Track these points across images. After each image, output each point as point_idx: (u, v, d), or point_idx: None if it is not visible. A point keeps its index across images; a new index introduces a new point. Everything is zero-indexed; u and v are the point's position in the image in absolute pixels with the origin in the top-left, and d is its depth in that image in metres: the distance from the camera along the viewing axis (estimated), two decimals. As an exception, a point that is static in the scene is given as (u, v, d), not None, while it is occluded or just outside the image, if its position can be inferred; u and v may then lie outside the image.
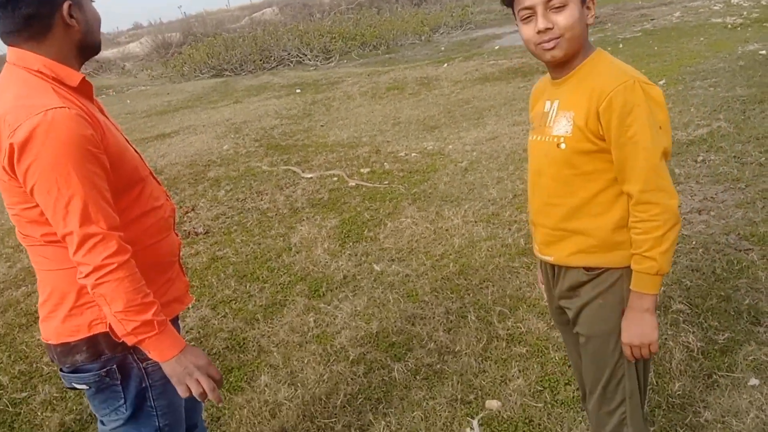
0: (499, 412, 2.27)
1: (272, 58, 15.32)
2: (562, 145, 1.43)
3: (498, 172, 4.82)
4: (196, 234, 4.39)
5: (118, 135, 1.47)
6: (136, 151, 1.54)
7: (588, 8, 1.40)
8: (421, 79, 9.46)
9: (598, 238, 1.46)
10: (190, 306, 3.28)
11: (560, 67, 1.46)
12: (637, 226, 1.39)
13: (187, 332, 3.10)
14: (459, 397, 2.37)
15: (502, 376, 2.47)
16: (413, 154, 5.64)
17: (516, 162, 4.96)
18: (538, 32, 1.37)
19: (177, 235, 1.65)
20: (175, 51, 20.42)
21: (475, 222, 3.99)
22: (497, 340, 2.70)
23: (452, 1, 20.48)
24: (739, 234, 3.35)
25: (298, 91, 10.50)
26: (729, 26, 9.44)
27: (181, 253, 1.67)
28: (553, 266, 1.62)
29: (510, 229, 3.80)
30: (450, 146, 5.73)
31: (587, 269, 1.51)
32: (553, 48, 1.38)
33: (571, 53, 1.40)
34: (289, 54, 15.39)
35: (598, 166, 1.42)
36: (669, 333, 2.57)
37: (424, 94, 8.42)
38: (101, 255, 1.28)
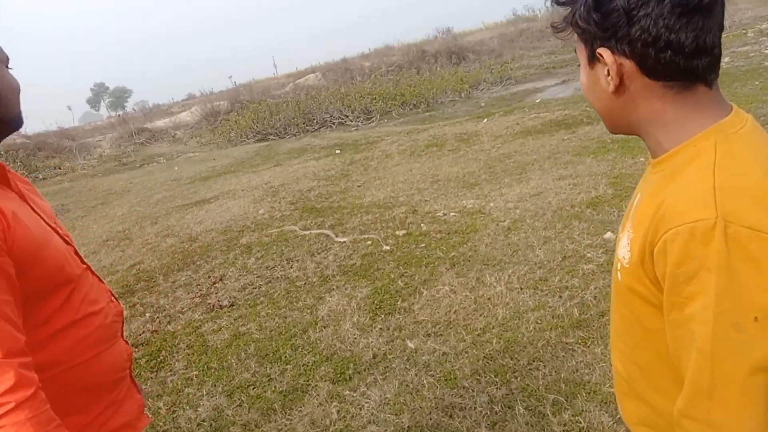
0: None
1: (315, 121, 15.51)
2: (619, 275, 0.96)
3: (544, 231, 4.42)
4: (221, 307, 4.13)
5: (38, 226, 1.17)
6: (68, 242, 1.27)
7: (607, 72, 0.90)
8: (460, 135, 9.22)
9: (667, 421, 0.94)
10: (205, 392, 2.98)
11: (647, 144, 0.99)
12: None
13: (198, 425, 2.77)
14: None
15: (559, 489, 2.02)
16: (452, 214, 5.30)
17: (564, 219, 4.55)
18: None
19: (126, 342, 1.35)
20: (222, 118, 21.09)
21: (521, 289, 3.58)
22: (551, 439, 2.25)
23: (491, 58, 20.53)
24: None
25: (337, 151, 10.43)
26: (787, 66, 8.90)
27: (131, 365, 1.36)
28: None
29: (561, 297, 3.37)
30: (491, 204, 5.38)
31: None
32: None
33: (612, 126, 1.00)
34: (331, 116, 15.56)
35: (655, 322, 0.93)
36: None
37: (464, 150, 8.15)
38: None
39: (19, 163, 16.61)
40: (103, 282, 1.37)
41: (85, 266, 1.30)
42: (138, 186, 11.23)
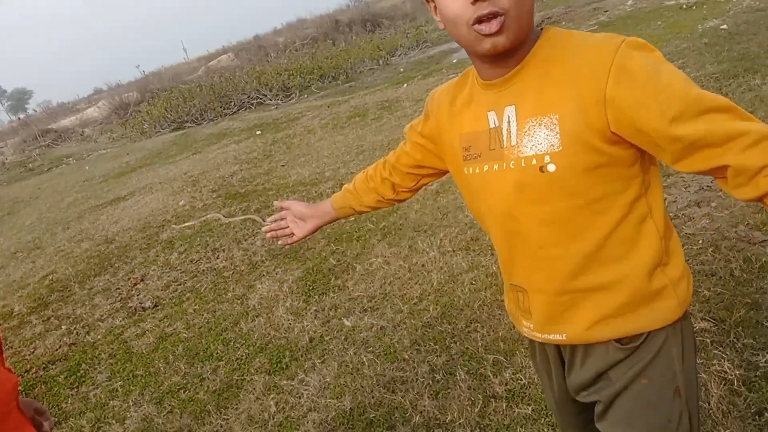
0: (510, 503, 1.78)
1: (232, 103, 14.93)
2: (550, 167, 0.97)
3: (472, 191, 4.38)
4: (144, 310, 3.87)
5: None
6: None
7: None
8: (381, 103, 9.09)
9: (628, 291, 1.02)
10: (132, 402, 2.77)
11: (501, 60, 0.99)
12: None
13: (126, 439, 2.57)
14: (457, 488, 1.88)
15: (506, 451, 1.98)
16: (379, 184, 5.19)
17: (490, 177, 4.53)
18: (475, 2, 0.90)
19: (9, 370, 1.16)
20: (133, 110, 19.98)
21: (454, 251, 3.53)
22: (495, 401, 2.21)
23: (406, 23, 20.36)
24: (748, 224, 2.93)
25: (258, 132, 10.08)
26: (684, 6, 9.23)
27: (17, 395, 1.17)
28: (561, 349, 1.15)
29: (492, 255, 3.34)
30: (417, 169, 5.30)
31: (620, 341, 1.05)
32: (497, 32, 0.92)
33: (519, 40, 0.96)
34: (248, 97, 15.02)
35: (612, 186, 0.98)
36: (698, 362, 2.11)
37: (387, 118, 8.02)
38: None
39: None
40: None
41: None
42: (47, 191, 10.49)
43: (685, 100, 0.88)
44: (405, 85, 10.14)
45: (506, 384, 2.28)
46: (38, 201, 9.64)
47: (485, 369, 2.40)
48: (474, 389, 2.30)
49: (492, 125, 1.05)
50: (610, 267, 1.01)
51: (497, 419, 2.12)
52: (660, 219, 1.03)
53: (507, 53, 0.98)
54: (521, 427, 2.05)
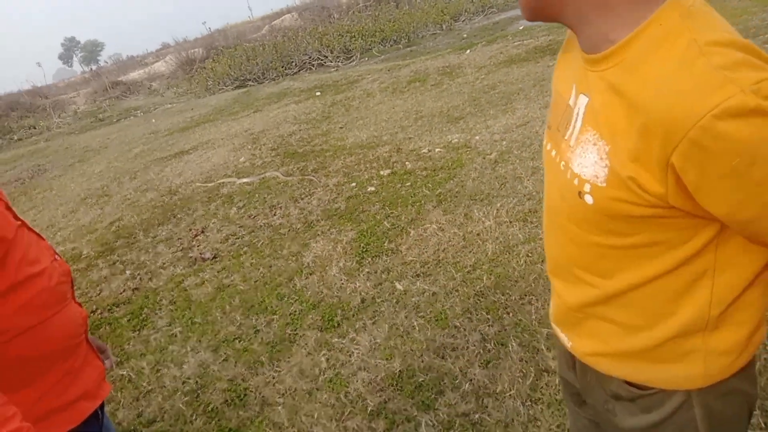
0: (557, 478, 1.76)
1: (293, 63, 15.00)
2: (588, 198, 0.80)
3: (532, 162, 4.27)
4: (203, 260, 4.00)
5: None
6: None
7: None
8: (443, 69, 8.91)
9: (644, 342, 0.88)
10: (189, 348, 2.89)
11: (574, 32, 0.81)
12: None
13: (183, 383, 2.69)
14: (503, 457, 1.87)
15: (558, 426, 1.95)
16: (437, 150, 5.12)
17: (553, 148, 4.39)
18: None
19: (79, 305, 1.21)
20: (198, 66, 20.36)
21: (510, 222, 3.46)
22: (548, 375, 2.18)
23: (472, -14, 19.75)
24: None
25: (318, 93, 10.10)
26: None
27: (87, 330, 1.22)
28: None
29: (552, 228, 3.26)
30: (477, 137, 5.19)
31: (629, 384, 0.93)
32: None
33: (534, 10, 0.81)
34: (309, 57, 15.04)
35: (666, 235, 0.78)
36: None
37: (447, 84, 7.87)
38: None
39: (-9, 125, 16.08)
40: (43, 239, 1.22)
41: (19, 222, 1.15)
42: (115, 141, 10.89)
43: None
44: (468, 51, 9.89)
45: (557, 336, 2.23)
46: (107, 150, 10.04)
47: (538, 342, 2.36)
48: (526, 362, 2.27)
49: (570, 101, 0.86)
50: (633, 312, 0.87)
51: (549, 393, 2.09)
52: (726, 284, 0.82)
53: (569, 26, 0.80)
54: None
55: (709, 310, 0.83)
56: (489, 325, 2.55)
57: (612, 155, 0.74)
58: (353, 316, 2.90)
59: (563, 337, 1.02)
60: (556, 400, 2.06)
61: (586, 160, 0.78)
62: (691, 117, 0.64)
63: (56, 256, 1.22)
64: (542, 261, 2.95)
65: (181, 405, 2.54)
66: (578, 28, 0.79)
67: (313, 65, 14.67)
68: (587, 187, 0.79)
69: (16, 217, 1.14)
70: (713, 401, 0.89)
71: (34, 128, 16.08)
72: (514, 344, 2.38)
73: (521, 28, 11.05)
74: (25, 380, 1.07)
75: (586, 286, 0.90)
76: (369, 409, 2.23)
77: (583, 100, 0.82)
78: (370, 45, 14.83)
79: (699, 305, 0.83)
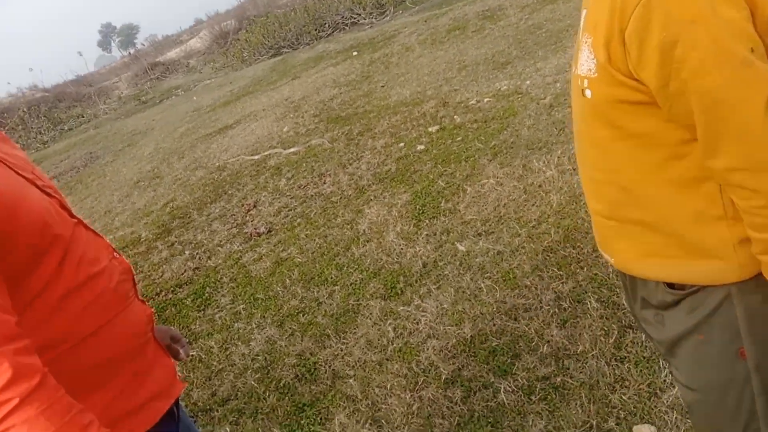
0: (656, 443, 1.64)
1: (326, 25, 14.73)
2: (587, 92, 0.92)
3: (591, 103, 4.00)
4: (259, 235, 3.98)
5: (11, 179, 0.95)
6: (51, 194, 1.03)
7: None
8: (483, 13, 8.50)
9: (672, 236, 0.93)
10: (255, 325, 2.87)
11: None
12: (744, 215, 0.86)
13: (252, 360, 2.67)
14: (594, 423, 1.75)
15: (649, 386, 1.81)
16: (486, 100, 4.89)
17: (611, 86, 4.10)
18: None
19: (143, 302, 1.14)
20: (232, 38, 20.31)
21: (573, 170, 3.25)
22: (633, 331, 2.03)
23: None
24: None
25: (354, 53, 9.87)
26: None
27: (153, 327, 1.16)
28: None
29: (620, 173, 3.04)
30: (527, 82, 4.92)
31: (669, 285, 0.97)
32: None
33: None
34: (342, 17, 14.72)
35: (654, 125, 0.87)
36: None
37: (489, 29, 7.50)
38: None
39: (42, 118, 16.59)
40: (100, 237, 1.15)
41: (75, 220, 1.08)
42: (160, 122, 11.04)
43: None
44: (507, -9, 9.40)
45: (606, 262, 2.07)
46: (153, 132, 10.18)
47: (618, 297, 2.20)
48: (607, 318, 2.12)
49: (582, 22, 0.95)
50: (652, 206, 0.93)
51: (636, 351, 1.95)
52: None
53: None
54: (664, 360, 1.86)
55: (720, 196, 0.88)
56: (562, 282, 2.41)
57: (594, 46, 0.87)
58: (416, 282, 2.81)
59: (608, 257, 1.07)
60: (644, 357, 1.92)
61: (582, 59, 0.91)
62: None
63: (115, 254, 1.15)
64: (613, 209, 2.76)
65: (253, 382, 2.53)
66: None
67: (346, 25, 14.36)
68: (585, 82, 0.91)
69: (71, 215, 1.08)
70: (753, 299, 0.91)
71: (83, 116, 16.50)
72: (592, 301, 2.23)
73: (562, -40, 10.41)
74: (93, 385, 1.02)
75: (607, 186, 0.97)
76: (443, 377, 2.14)
77: (583, 13, 0.94)
78: (402, -3, 14.35)
79: (708, 192, 0.88)
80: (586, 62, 0.90)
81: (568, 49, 5.33)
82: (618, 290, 2.25)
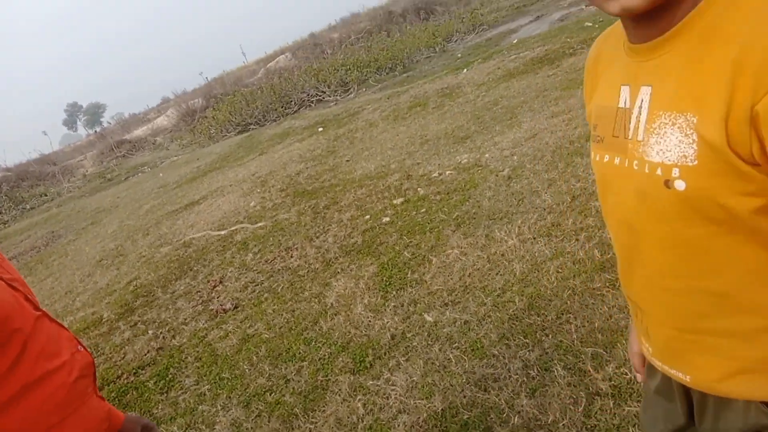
0: None
1: (292, 102, 15.13)
2: (678, 184, 0.72)
3: (547, 174, 4.17)
4: (225, 311, 3.92)
5: None
6: (16, 288, 1.03)
7: None
8: (442, 90, 8.90)
9: None
10: (220, 407, 2.78)
11: (645, 19, 0.74)
12: None
13: (217, 443, 2.58)
14: (567, 495, 1.74)
15: (618, 454, 1.82)
16: (448, 172, 5.05)
17: (565, 157, 4.30)
18: None
19: (102, 398, 1.12)
20: (199, 116, 20.62)
21: (534, 239, 3.35)
22: (601, 398, 2.05)
23: (460, 8, 19.94)
24: None
25: (320, 129, 10.12)
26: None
27: (108, 426, 1.12)
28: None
29: (578, 240, 3.15)
30: (486, 155, 5.12)
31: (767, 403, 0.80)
32: None
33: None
34: (308, 95, 15.17)
35: None
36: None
37: (449, 105, 7.84)
38: None
39: (3, 197, 16.29)
40: (65, 329, 1.14)
41: (39, 313, 1.07)
42: (126, 199, 10.96)
43: None
44: (465, 70, 9.90)
45: (610, 380, 2.11)
46: (118, 209, 10.08)
47: (584, 363, 2.23)
48: (575, 386, 2.14)
49: (622, 104, 0.82)
50: (755, 313, 0.77)
51: (605, 419, 1.96)
52: None
53: (648, 14, 0.72)
54: (633, 426, 1.88)
55: None
56: (529, 350, 2.43)
57: (700, 125, 0.68)
58: (385, 354, 2.79)
59: (674, 372, 0.89)
60: (614, 425, 1.93)
61: (668, 144, 0.72)
62: None
63: (79, 347, 1.14)
64: (573, 276, 2.84)
65: (217, 468, 2.43)
66: (668, 10, 0.73)
67: (312, 102, 14.78)
68: (676, 172, 0.72)
69: (36, 308, 1.08)
70: None
71: (45, 195, 16.27)
72: (558, 368, 2.25)
73: (515, 41, 11.08)
74: None
75: (690, 297, 0.80)
76: (415, 454, 2.10)
77: (645, 91, 0.77)
78: (366, 75, 14.94)
79: None
80: (676, 147, 0.71)
81: (523, 123, 5.60)
82: (584, 357, 2.28)
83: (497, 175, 4.53)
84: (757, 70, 0.62)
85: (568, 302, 2.66)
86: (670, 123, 0.72)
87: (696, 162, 0.69)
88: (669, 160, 0.72)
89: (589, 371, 2.19)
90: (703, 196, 0.71)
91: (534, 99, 6.37)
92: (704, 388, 0.86)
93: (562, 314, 2.59)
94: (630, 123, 0.79)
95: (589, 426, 1.96)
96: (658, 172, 0.74)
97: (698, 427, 0.93)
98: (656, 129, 0.74)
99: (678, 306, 0.83)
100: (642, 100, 0.77)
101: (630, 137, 0.79)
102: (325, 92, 14.86)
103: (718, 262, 0.76)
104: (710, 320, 0.80)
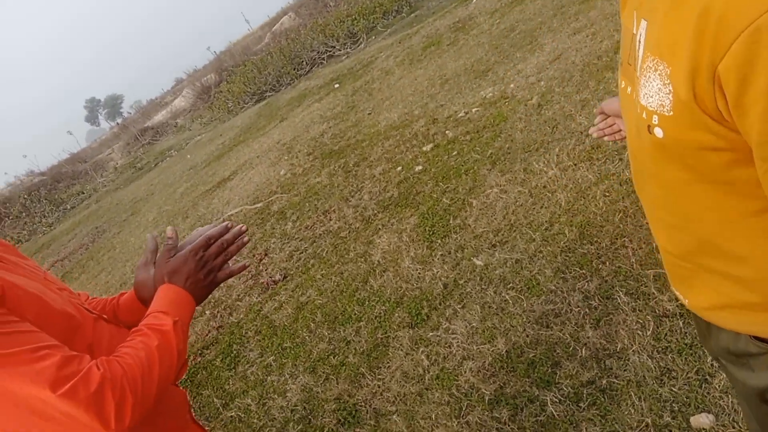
0: (717, 430, 1.60)
1: (304, 63, 14.92)
2: (657, 131, 0.72)
3: (579, 95, 4.01)
4: (275, 283, 3.97)
5: (31, 284, 0.97)
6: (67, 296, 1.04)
7: None
8: (454, 25, 8.59)
9: (761, 292, 0.78)
10: (288, 375, 2.85)
11: None
12: None
13: (291, 411, 2.64)
14: (649, 421, 1.72)
15: (697, 373, 1.78)
16: (474, 110, 4.91)
17: (595, 74, 4.11)
18: None
19: (177, 385, 1.14)
20: (215, 92, 20.57)
21: (575, 165, 3.25)
22: (669, 319, 2.00)
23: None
24: None
25: (336, 86, 9.96)
26: None
27: (190, 408, 1.15)
28: None
29: (621, 160, 3.04)
30: (511, 85, 4.94)
31: (756, 339, 0.83)
32: None
33: None
34: (318, 52, 14.90)
35: (747, 173, 0.69)
36: None
37: (463, 39, 7.57)
38: None
39: (44, 201, 16.76)
40: (124, 330, 1.16)
41: (95, 315, 1.09)
42: (159, 185, 11.12)
43: None
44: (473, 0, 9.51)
45: (676, 299, 2.05)
46: (154, 197, 10.25)
47: (647, 287, 2.18)
48: (640, 310, 2.09)
49: (634, 30, 0.78)
50: (741, 260, 0.77)
51: (676, 340, 1.91)
52: None
53: None
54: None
55: None
56: (587, 281, 2.38)
57: (673, 77, 0.67)
58: (440, 304, 2.79)
59: (679, 294, 0.95)
60: (686, 345, 1.89)
61: (651, 89, 0.71)
62: (754, 7, 0.56)
63: None
64: (623, 198, 2.75)
65: (295, 435, 2.50)
66: None
67: (323, 59, 14.53)
68: (655, 119, 0.72)
69: (90, 311, 1.09)
70: None
71: (83, 193, 16.67)
72: (621, 295, 2.20)
73: (522, -40, 10.55)
74: None
75: (681, 232, 0.82)
76: (486, 398, 2.11)
77: (643, 25, 0.75)
78: (373, 23, 14.54)
79: None
80: (656, 94, 0.70)
81: (544, 46, 5.37)
82: (645, 279, 2.22)
83: (526, 105, 4.37)
84: (716, 28, 0.59)
85: (621, 225, 2.58)
86: (653, 68, 0.71)
87: (672, 113, 0.69)
88: (651, 106, 0.72)
89: (653, 293, 2.13)
90: (680, 146, 0.71)
91: (552, 18, 6.08)
92: (698, 312, 0.91)
93: (617, 239, 2.52)
94: (637, 53, 0.77)
95: (660, 348, 1.92)
96: (644, 115, 0.74)
97: (706, 342, 0.99)
98: (645, 71, 0.73)
99: (674, 239, 0.86)
100: (641, 34, 0.75)
101: (637, 69, 0.77)
102: (334, 47, 14.56)
103: (698, 208, 0.77)
104: (701, 257, 0.82)
